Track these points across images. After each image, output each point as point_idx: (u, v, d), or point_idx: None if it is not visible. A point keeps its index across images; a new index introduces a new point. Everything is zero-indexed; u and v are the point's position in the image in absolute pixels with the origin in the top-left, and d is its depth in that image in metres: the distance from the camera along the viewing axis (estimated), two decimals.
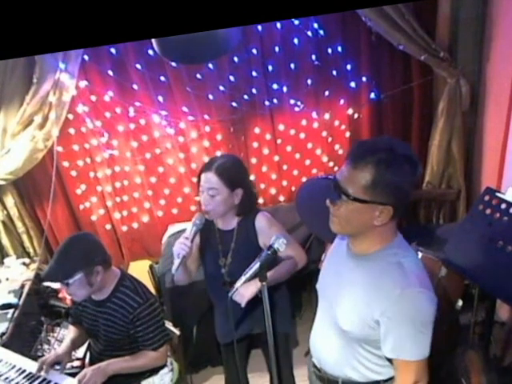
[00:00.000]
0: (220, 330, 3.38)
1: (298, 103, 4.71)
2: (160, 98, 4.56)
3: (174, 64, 4.34)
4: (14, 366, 3.16)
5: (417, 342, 2.03)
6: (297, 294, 4.84)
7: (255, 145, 4.89)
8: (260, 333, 3.22)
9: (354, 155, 1.96)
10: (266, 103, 4.69)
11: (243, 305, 2.84)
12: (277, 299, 3.15)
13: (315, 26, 4.45)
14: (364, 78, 4.66)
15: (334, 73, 4.62)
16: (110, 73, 4.43)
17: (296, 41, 4.50)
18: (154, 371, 3.21)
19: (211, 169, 2.92)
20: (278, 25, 4.43)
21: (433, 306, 2.00)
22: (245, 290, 2.79)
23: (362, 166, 1.91)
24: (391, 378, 2.24)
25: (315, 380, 2.49)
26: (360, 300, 2.08)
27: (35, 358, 3.27)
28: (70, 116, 4.50)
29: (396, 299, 1.97)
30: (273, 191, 5.06)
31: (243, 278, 2.36)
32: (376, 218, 1.97)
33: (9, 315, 3.70)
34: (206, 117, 4.69)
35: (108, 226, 5.01)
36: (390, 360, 2.15)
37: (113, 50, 4.38)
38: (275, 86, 4.63)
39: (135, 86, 4.49)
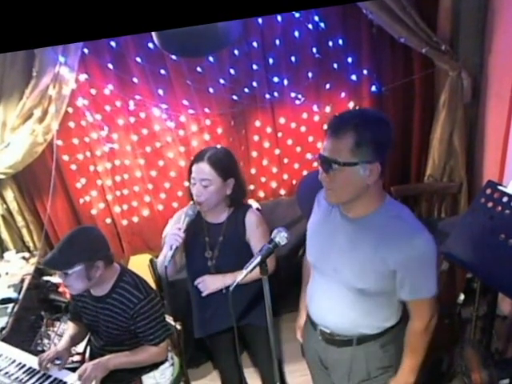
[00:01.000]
0: (197, 324, 3.37)
1: (299, 96, 4.69)
2: (160, 92, 4.55)
3: (174, 57, 4.32)
4: (14, 361, 3.15)
5: (429, 280, 2.29)
6: (296, 288, 4.81)
7: (256, 138, 4.89)
8: (243, 327, 3.25)
9: (333, 128, 2.18)
10: (267, 96, 4.68)
11: (204, 294, 3.03)
12: (256, 292, 3.14)
13: (316, 18, 4.43)
14: (365, 71, 4.64)
15: (335, 66, 4.60)
16: (110, 66, 4.41)
17: (297, 34, 4.48)
18: (154, 366, 3.21)
19: (204, 159, 2.94)
20: (279, 18, 4.41)
21: (434, 244, 2.24)
22: (212, 282, 3.00)
23: (342, 133, 2.11)
24: (398, 323, 2.49)
25: (325, 347, 2.59)
26: (372, 257, 2.26)
27: (35, 353, 3.26)
28: (70, 109, 4.48)
29: (406, 247, 2.20)
30: (273, 185, 5.05)
31: (244, 272, 2.35)
32: (367, 178, 2.16)
33: (8, 310, 3.69)
34: (207, 110, 4.67)
35: (108, 220, 5.01)
36: (400, 304, 2.45)
37: (113, 44, 4.36)
38: (276, 79, 4.61)
39: (135, 80, 4.48)
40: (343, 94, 4.75)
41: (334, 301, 2.46)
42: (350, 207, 2.31)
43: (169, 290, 4.22)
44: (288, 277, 3.23)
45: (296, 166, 5.03)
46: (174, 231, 2.95)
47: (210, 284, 3.04)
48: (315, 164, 4.93)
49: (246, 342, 3.49)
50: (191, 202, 3.09)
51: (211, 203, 3.00)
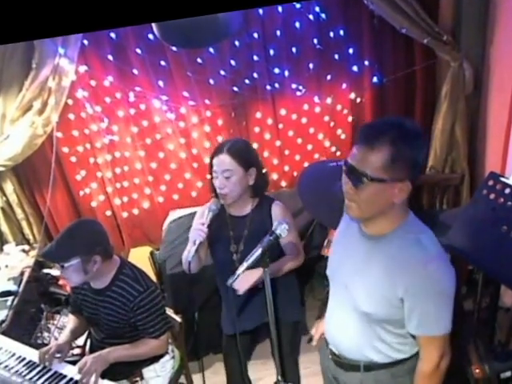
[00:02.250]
0: (226, 321, 3.35)
1: (300, 87, 4.68)
2: (160, 83, 4.54)
3: (174, 48, 4.32)
4: (14, 354, 3.13)
5: (442, 317, 2.08)
6: (299, 280, 4.82)
7: (256, 130, 4.87)
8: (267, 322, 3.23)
9: (366, 136, 1.98)
10: (268, 88, 4.66)
11: (241, 293, 2.87)
12: (285, 287, 3.14)
13: (317, 9, 4.41)
14: (366, 62, 4.63)
15: (336, 57, 4.59)
16: (110, 57, 4.40)
17: (297, 24, 4.46)
18: (155, 359, 3.20)
19: (223, 151, 2.92)
20: (280, 8, 4.39)
21: (453, 277, 2.04)
22: (244, 280, 2.80)
23: (378, 145, 1.92)
24: (414, 356, 2.27)
25: (335, 368, 2.48)
26: (381, 280, 2.10)
27: (35, 346, 3.25)
28: (70, 101, 4.47)
29: (419, 275, 2.00)
30: (274, 176, 5.03)
31: (245, 265, 2.34)
32: (396, 196, 1.99)
33: (8, 303, 3.69)
34: (207, 101, 4.66)
35: (108, 213, 5.00)
36: (412, 337, 2.20)
37: (112, 35, 4.35)
38: (277, 71, 4.60)
39: (135, 71, 4.46)
40: (344, 85, 4.74)
41: (342, 320, 2.35)
42: (368, 223, 2.16)
43: (169, 282, 4.21)
44: (296, 271, 3.21)
45: (297, 157, 5.01)
46: (197, 226, 2.93)
47: (243, 282, 2.88)
48: (316, 155, 4.93)
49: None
50: (214, 198, 3.08)
51: (235, 194, 2.97)
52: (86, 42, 4.30)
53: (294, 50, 4.55)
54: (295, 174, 5.03)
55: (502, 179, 3.00)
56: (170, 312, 3.38)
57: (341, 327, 2.37)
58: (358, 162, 1.97)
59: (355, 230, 2.25)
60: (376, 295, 2.12)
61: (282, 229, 2.38)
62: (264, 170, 3.18)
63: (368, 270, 2.15)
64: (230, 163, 2.90)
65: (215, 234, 3.11)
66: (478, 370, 2.99)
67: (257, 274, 2.80)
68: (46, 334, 3.64)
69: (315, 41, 4.52)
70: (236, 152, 2.92)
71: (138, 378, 3.17)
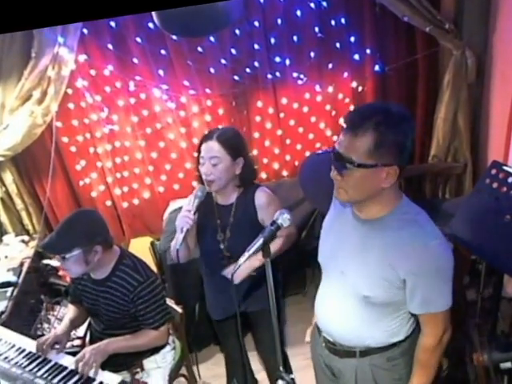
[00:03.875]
0: (211, 307, 3.38)
1: (301, 76, 4.65)
2: (160, 72, 4.51)
3: (174, 37, 4.29)
4: (14, 346, 3.12)
5: (443, 293, 2.12)
6: (300, 270, 4.81)
7: (258, 119, 4.85)
8: (253, 311, 3.24)
9: (351, 123, 1.99)
10: (269, 76, 4.64)
11: (236, 282, 2.87)
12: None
13: None
14: (368, 51, 4.61)
15: (338, 45, 4.57)
16: (110, 46, 4.38)
17: (299, 13, 4.43)
18: (155, 350, 3.19)
19: (213, 138, 2.93)
20: None
21: (451, 254, 2.08)
22: (240, 270, 2.80)
23: (361, 131, 1.93)
24: (408, 338, 2.32)
25: (328, 355, 2.49)
26: (381, 263, 2.11)
27: (35, 337, 3.24)
28: (70, 91, 4.45)
29: (421, 255, 2.03)
30: (276, 166, 5.01)
31: (246, 254, 2.32)
32: (383, 181, 2.00)
33: (8, 293, 3.68)
34: (208, 91, 4.64)
35: (108, 203, 4.98)
36: (413, 316, 2.26)
37: (112, 24, 4.32)
38: (278, 59, 4.58)
39: (135, 60, 4.44)
40: (346, 74, 4.72)
41: (338, 307, 2.35)
42: (361, 207, 2.16)
43: (170, 272, 4.20)
44: (290, 259, 3.19)
45: (298, 146, 4.99)
46: (184, 213, 2.93)
47: (238, 272, 2.83)
48: (318, 145, 4.91)
49: (249, 326, 3.46)
50: (200, 184, 3.07)
51: (221, 182, 2.97)
52: (85, 30, 4.28)
53: (295, 38, 4.52)
54: (296, 163, 5.01)
55: (505, 168, 2.98)
56: (170, 303, 3.37)
57: (337, 314, 2.36)
58: (343, 149, 1.98)
59: (349, 215, 2.25)
60: (376, 278, 2.13)
61: (284, 218, 2.36)
62: (253, 162, 3.19)
63: (366, 254, 2.16)
64: (218, 150, 2.91)
65: (203, 223, 3.12)
66: (478, 358, 2.99)
67: (254, 261, 2.83)
68: (45, 325, 3.63)
69: (316, 29, 4.50)
70: (225, 140, 2.93)
71: (138, 369, 3.16)
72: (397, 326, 2.28)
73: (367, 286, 2.16)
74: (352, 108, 4.83)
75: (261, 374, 3.91)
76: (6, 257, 4.16)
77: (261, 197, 3.06)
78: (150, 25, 4.26)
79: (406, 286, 2.11)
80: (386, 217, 2.12)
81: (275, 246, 2.94)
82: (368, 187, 2.03)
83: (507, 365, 2.88)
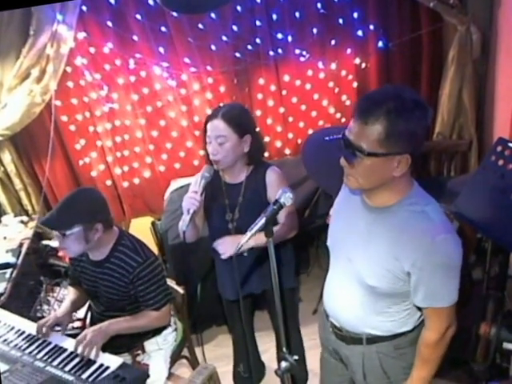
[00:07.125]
0: (224, 287, 3.34)
1: (304, 53, 4.62)
2: (161, 50, 4.47)
3: (175, 14, 4.26)
4: (13, 328, 3.09)
5: (448, 289, 2.06)
6: (304, 250, 4.79)
7: (259, 96, 4.82)
8: (265, 290, 3.21)
9: (361, 110, 1.91)
10: (271, 53, 4.60)
11: (223, 257, 2.93)
12: (282, 255, 3.11)
13: None
14: (371, 27, 4.57)
15: (341, 21, 4.53)
16: (109, 24, 4.33)
17: None
18: (157, 331, 3.16)
19: (218, 116, 2.86)
20: None
21: (460, 249, 1.99)
22: (231, 245, 2.87)
23: (372, 119, 1.85)
24: (416, 327, 2.27)
25: (335, 341, 2.46)
26: (386, 253, 2.05)
27: (34, 319, 3.21)
28: (68, 69, 4.41)
29: (427, 248, 1.96)
30: (278, 144, 4.98)
31: (249, 234, 2.28)
32: (395, 169, 1.93)
33: (7, 275, 3.66)
34: (209, 68, 4.60)
35: (108, 182, 4.96)
36: (418, 309, 2.20)
37: (112, 0, 4.28)
38: (280, 36, 4.53)
39: (135, 37, 4.39)
40: (349, 51, 4.68)
41: (344, 293, 2.30)
42: (371, 194, 2.10)
43: (171, 253, 4.17)
44: (294, 239, 3.16)
45: (301, 124, 4.96)
46: (190, 194, 2.87)
47: (229, 247, 2.92)
48: (321, 122, 4.87)
49: (267, 304, 3.47)
50: (206, 164, 3.02)
51: (228, 161, 2.92)
52: (84, 8, 4.23)
53: (297, 14, 4.48)
54: (299, 141, 4.98)
55: (511, 145, 2.95)
56: (172, 283, 3.34)
57: (343, 300, 2.33)
58: (354, 136, 1.92)
59: (358, 201, 2.20)
60: (381, 269, 2.08)
61: (287, 197, 2.32)
62: (261, 138, 3.15)
63: (371, 242, 2.11)
64: (224, 129, 2.85)
65: (211, 203, 3.09)
66: (485, 329, 2.97)
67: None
68: (45, 307, 3.62)
69: (319, 5, 4.45)
70: (231, 118, 2.86)
71: (139, 351, 3.13)
72: (404, 316, 2.23)
73: (371, 276, 2.12)
74: (355, 85, 4.80)
75: (266, 355, 3.91)
76: (5, 238, 4.13)
77: (272, 175, 3.01)
78: (150, 1, 4.23)
79: (411, 279, 2.06)
80: (394, 206, 2.05)
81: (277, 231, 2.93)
82: (378, 176, 1.97)
83: (509, 346, 2.88)
